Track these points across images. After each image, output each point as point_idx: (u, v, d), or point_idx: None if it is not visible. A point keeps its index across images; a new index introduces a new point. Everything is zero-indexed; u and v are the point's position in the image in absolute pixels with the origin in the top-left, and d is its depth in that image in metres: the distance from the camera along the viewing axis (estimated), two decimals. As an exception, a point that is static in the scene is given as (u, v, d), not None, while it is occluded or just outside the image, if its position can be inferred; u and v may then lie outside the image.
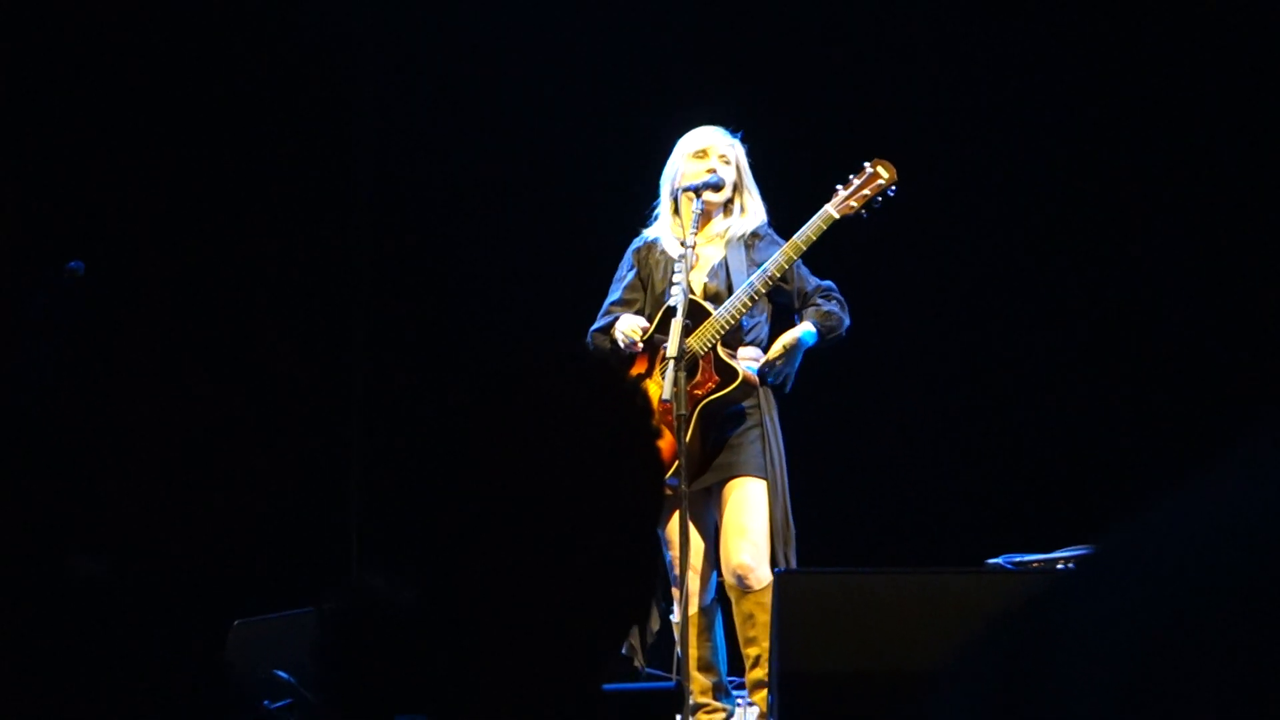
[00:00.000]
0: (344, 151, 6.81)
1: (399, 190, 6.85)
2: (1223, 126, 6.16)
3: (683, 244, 4.92)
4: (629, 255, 5.17)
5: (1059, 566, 4.82)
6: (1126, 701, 0.69)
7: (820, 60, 6.59)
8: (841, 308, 5.02)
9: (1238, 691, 0.67)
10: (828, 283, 5.05)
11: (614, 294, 5.14)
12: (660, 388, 4.83)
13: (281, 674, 4.05)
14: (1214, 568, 0.70)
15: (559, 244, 6.62)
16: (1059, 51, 6.40)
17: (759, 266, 4.92)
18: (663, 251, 5.06)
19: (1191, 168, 6.23)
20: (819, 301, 5.01)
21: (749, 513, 4.86)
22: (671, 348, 4.79)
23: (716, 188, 5.00)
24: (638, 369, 5.01)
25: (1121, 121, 6.35)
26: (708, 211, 5.04)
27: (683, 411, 4.74)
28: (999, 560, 4.87)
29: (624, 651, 4.90)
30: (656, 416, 4.88)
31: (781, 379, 4.98)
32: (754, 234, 5.06)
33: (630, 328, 4.97)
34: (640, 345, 4.97)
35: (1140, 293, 6.24)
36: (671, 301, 4.88)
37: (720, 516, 4.94)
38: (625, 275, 5.14)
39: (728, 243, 5.05)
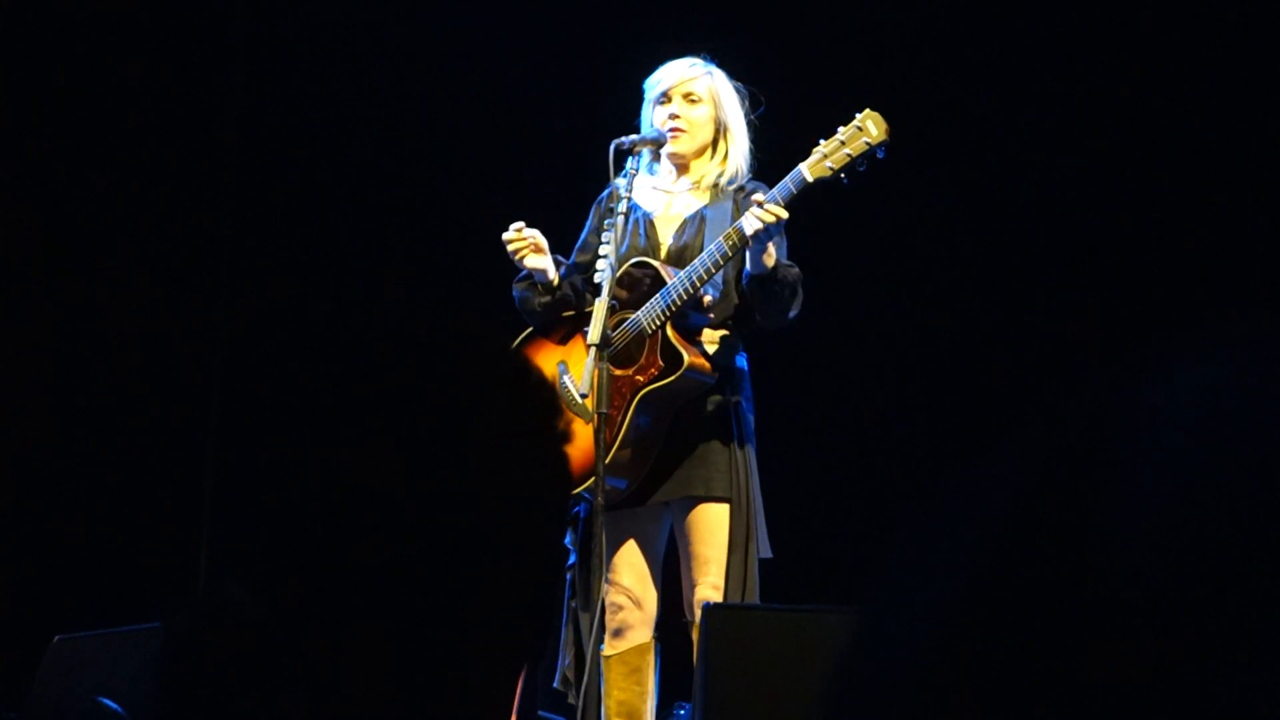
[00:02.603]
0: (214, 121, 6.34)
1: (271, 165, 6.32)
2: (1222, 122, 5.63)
3: (611, 209, 4.25)
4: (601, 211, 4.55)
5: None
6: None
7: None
8: (796, 292, 4.24)
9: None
10: (795, 269, 4.28)
11: (573, 256, 4.53)
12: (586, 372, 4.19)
13: (107, 702, 3.68)
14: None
15: (454, 222, 5.98)
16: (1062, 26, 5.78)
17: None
18: (636, 207, 4.44)
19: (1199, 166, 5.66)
20: None
21: (717, 541, 4.28)
22: (593, 332, 4.11)
23: (658, 143, 4.37)
24: (568, 348, 4.37)
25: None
26: (684, 161, 4.43)
27: (603, 409, 4.08)
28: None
29: (556, 685, 4.33)
30: (566, 416, 4.27)
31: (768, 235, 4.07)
32: (742, 187, 4.39)
33: (512, 232, 4.32)
34: (524, 242, 4.29)
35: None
36: (597, 277, 4.20)
37: (682, 542, 4.36)
38: (584, 234, 4.54)
39: (711, 193, 4.41)
